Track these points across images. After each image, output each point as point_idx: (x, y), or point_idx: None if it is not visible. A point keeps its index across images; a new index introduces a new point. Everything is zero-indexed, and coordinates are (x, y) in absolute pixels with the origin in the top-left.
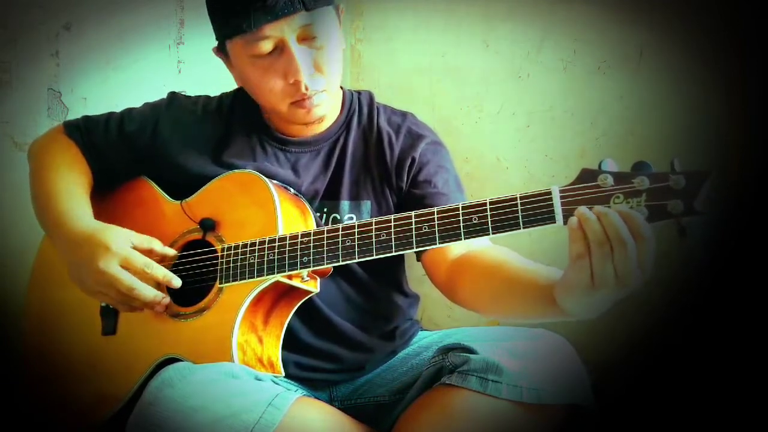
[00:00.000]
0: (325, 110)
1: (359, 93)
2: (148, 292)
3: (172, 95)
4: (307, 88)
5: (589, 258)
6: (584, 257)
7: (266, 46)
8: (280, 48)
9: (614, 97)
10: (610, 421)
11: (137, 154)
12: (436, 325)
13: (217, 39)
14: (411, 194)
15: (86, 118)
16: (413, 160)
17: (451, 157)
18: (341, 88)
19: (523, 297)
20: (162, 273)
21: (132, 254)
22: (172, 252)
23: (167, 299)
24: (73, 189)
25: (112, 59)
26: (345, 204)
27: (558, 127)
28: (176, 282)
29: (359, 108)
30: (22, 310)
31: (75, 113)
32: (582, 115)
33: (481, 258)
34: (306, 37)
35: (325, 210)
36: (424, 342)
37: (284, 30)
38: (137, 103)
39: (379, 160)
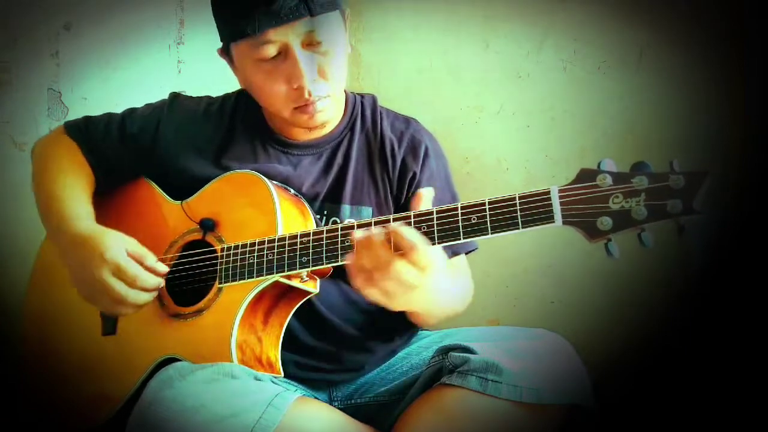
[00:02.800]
0: (329, 115)
1: (362, 96)
2: (141, 298)
3: (174, 96)
4: (310, 94)
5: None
6: (363, 287)
7: (270, 50)
8: (284, 53)
9: (614, 97)
10: (610, 421)
11: (139, 156)
12: (436, 325)
13: (221, 41)
14: (407, 210)
15: (87, 119)
16: (414, 174)
17: (449, 169)
18: (344, 91)
19: None
20: (153, 284)
21: (125, 264)
22: (162, 269)
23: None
24: (74, 190)
25: (112, 59)
26: (346, 208)
27: (558, 127)
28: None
29: (362, 111)
30: (22, 310)
31: (75, 113)
32: (582, 115)
33: None
34: (310, 43)
35: (326, 213)
36: (424, 342)
37: (288, 35)
38: (137, 103)
39: (382, 167)
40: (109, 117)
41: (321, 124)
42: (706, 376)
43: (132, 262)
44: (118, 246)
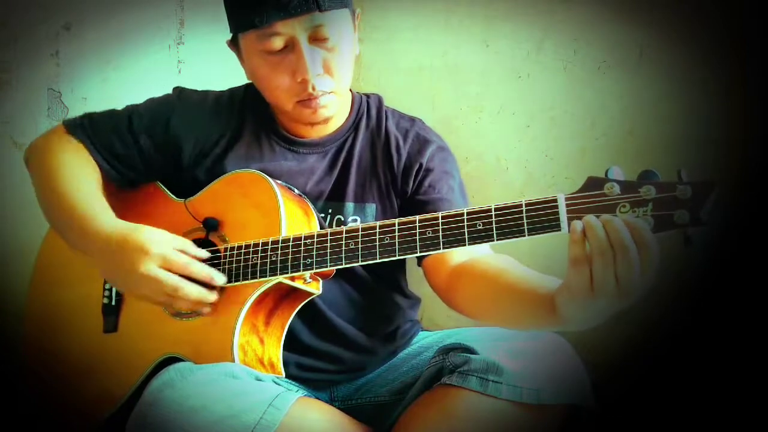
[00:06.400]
0: (332, 112)
1: (368, 96)
2: (193, 291)
3: (180, 90)
4: (314, 88)
5: (588, 264)
6: (582, 263)
7: (277, 42)
8: (291, 46)
9: (614, 97)
10: (610, 421)
11: (148, 152)
12: (437, 325)
13: (231, 32)
14: (414, 200)
15: (89, 118)
16: (420, 165)
17: (457, 164)
18: (350, 90)
19: (521, 305)
20: (201, 271)
21: (171, 254)
22: (204, 254)
23: (214, 296)
24: (90, 189)
25: (112, 59)
26: (349, 206)
27: (558, 127)
28: (218, 279)
29: (368, 111)
30: (23, 310)
31: (75, 113)
32: (582, 115)
33: (481, 265)
34: (317, 38)
35: (330, 211)
36: (425, 342)
37: (296, 28)
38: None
39: (386, 164)
40: (112, 114)
41: (324, 119)
42: (707, 376)
43: (177, 252)
44: (158, 239)
